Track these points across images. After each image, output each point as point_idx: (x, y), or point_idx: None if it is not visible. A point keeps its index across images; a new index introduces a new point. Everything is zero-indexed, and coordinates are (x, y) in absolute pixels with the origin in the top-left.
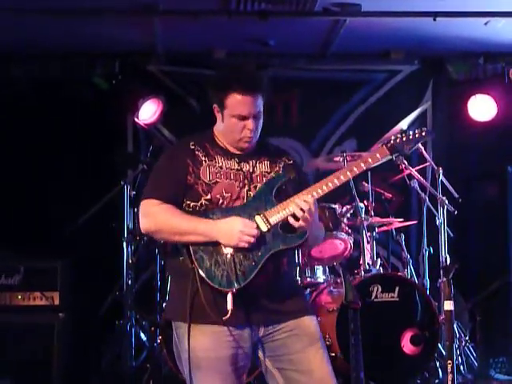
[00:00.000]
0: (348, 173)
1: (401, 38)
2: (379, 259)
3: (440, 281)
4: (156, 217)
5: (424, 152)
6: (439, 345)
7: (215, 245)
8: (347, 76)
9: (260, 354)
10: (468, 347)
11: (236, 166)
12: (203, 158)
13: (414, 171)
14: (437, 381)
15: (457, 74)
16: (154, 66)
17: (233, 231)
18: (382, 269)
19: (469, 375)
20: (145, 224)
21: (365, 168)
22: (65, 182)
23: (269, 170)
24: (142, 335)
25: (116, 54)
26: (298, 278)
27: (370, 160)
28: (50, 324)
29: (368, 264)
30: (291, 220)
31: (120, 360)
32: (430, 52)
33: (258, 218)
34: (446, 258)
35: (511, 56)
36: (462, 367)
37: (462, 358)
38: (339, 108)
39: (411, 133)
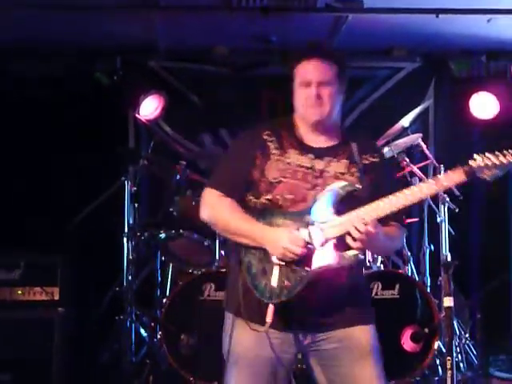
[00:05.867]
0: (418, 193)
1: (403, 35)
2: (380, 256)
3: (440, 278)
4: (214, 210)
5: (425, 149)
6: (439, 342)
7: (265, 251)
8: (349, 73)
9: (310, 359)
10: (468, 345)
11: (308, 164)
12: (274, 151)
13: (415, 168)
14: (437, 378)
15: (459, 71)
16: (155, 61)
17: (278, 243)
18: (382, 266)
19: (468, 373)
20: (203, 213)
21: (436, 191)
22: (66, 178)
23: (344, 171)
24: (142, 331)
25: (117, 50)
26: None
27: (444, 182)
28: (50, 319)
29: (368, 261)
30: (348, 239)
31: (120, 356)
32: (432, 49)
33: (312, 230)
34: (446, 256)
35: None
36: (461, 365)
37: (461, 356)
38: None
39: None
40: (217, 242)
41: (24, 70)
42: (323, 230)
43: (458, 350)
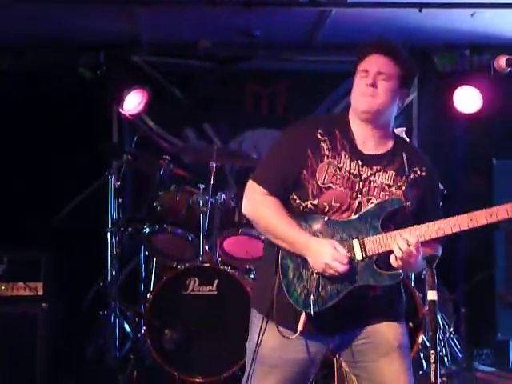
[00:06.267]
0: (470, 224)
1: (386, 29)
2: None
3: (424, 272)
4: (257, 207)
5: None
6: (423, 336)
7: (304, 258)
8: (333, 67)
9: (339, 358)
10: (452, 339)
11: (355, 171)
12: (326, 153)
13: None
14: (421, 372)
15: (443, 65)
16: (139, 56)
17: (320, 258)
18: None
19: (453, 367)
20: (245, 208)
21: (490, 222)
22: (49, 173)
23: (391, 183)
24: (126, 326)
25: (101, 45)
26: None
27: (498, 215)
28: (34, 314)
29: None
30: (391, 259)
31: (104, 351)
32: (415, 43)
33: (355, 243)
34: None
35: (497, 48)
36: (446, 359)
37: (446, 350)
38: (325, 99)
39: None
40: (201, 236)
41: (6, 65)
42: (366, 245)
43: (442, 343)
